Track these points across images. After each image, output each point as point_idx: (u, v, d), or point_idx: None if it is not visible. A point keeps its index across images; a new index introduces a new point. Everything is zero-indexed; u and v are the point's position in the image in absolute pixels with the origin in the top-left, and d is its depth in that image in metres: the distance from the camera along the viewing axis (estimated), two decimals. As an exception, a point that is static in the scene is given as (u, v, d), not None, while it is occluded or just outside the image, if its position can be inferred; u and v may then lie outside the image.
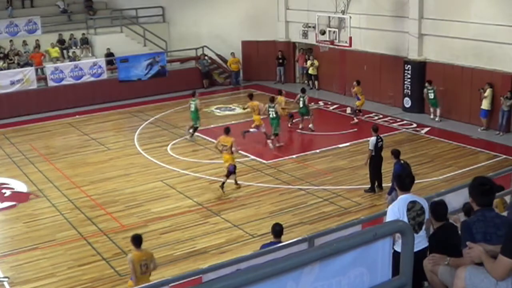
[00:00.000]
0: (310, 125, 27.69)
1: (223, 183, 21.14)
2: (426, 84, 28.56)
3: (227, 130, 21.77)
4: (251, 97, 27.25)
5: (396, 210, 8.48)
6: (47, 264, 16.50)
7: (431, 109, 28.93)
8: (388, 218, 8.56)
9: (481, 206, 6.47)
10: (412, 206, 8.45)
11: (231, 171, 21.20)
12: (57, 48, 36.66)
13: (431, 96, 28.38)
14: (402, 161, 17.64)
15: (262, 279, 3.81)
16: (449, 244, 8.46)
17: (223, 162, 21.53)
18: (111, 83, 35.39)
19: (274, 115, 25.63)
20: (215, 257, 16.31)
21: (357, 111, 29.26)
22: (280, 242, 12.10)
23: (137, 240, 13.14)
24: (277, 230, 12.37)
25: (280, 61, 38.31)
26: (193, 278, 9.94)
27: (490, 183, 6.65)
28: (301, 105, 27.54)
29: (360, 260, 4.36)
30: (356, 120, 28.94)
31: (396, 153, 17.78)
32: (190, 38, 39.23)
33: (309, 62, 36.43)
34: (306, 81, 37.11)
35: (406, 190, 8.66)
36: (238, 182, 21.64)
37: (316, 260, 4.11)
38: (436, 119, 28.56)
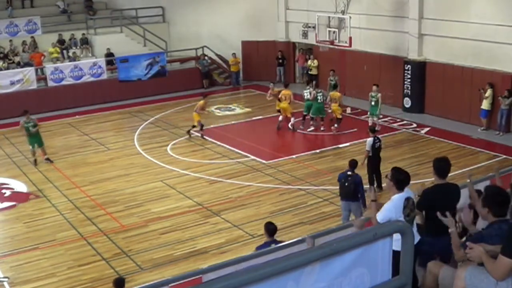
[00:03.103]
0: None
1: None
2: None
3: (286, 85, 29.44)
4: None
5: (392, 207, 8.50)
6: (47, 264, 16.50)
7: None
8: (381, 213, 8.56)
9: (498, 216, 6.40)
10: (407, 203, 8.48)
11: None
12: (57, 48, 36.68)
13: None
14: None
15: (262, 279, 3.81)
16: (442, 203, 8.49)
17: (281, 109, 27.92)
18: (111, 83, 35.40)
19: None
20: (215, 257, 16.31)
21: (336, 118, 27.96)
22: (275, 240, 12.15)
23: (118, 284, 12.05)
24: (272, 229, 12.36)
25: (280, 61, 38.32)
26: (193, 278, 9.98)
27: (504, 192, 6.65)
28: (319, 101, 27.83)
29: (361, 261, 4.37)
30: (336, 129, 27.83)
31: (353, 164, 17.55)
32: (190, 38, 39.26)
33: (309, 62, 36.46)
34: (306, 81, 37.14)
35: (401, 190, 8.66)
36: None
37: (316, 260, 4.11)
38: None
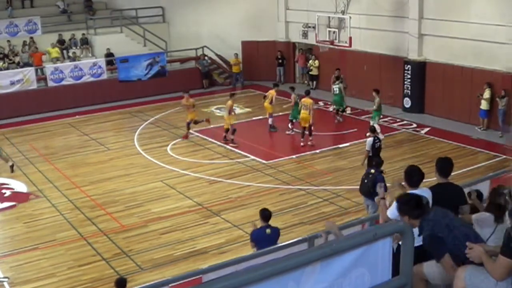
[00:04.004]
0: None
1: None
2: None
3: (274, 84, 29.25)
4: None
5: None
6: (47, 264, 16.52)
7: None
8: (390, 209, 8.54)
9: (417, 218, 6.45)
10: None
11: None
12: (57, 48, 36.67)
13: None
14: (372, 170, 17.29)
15: (263, 279, 3.82)
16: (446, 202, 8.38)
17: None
18: (111, 83, 35.35)
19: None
20: (215, 257, 16.34)
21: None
22: (269, 225, 12.49)
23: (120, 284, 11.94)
24: (267, 215, 12.81)
25: (280, 61, 38.37)
26: (193, 278, 9.98)
27: (413, 195, 6.75)
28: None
29: (361, 261, 4.37)
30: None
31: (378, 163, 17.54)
32: (190, 38, 39.24)
33: (310, 62, 36.50)
34: (306, 81, 37.17)
35: (414, 187, 8.69)
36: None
37: (316, 260, 4.11)
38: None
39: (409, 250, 4.64)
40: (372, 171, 16.98)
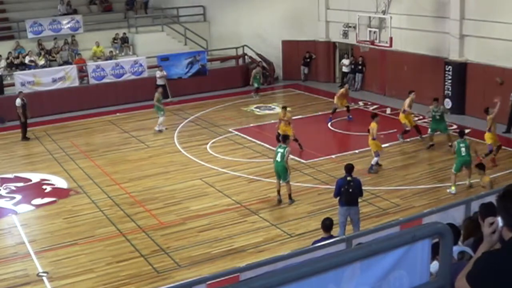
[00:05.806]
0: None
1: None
2: None
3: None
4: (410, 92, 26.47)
5: None
6: (86, 260, 16.67)
7: None
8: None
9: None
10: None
11: None
12: (101, 47, 37.01)
13: None
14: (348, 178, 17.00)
15: (300, 279, 3.82)
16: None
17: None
18: (151, 81, 35.34)
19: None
20: (253, 256, 16.33)
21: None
22: (332, 236, 12.23)
23: None
24: (327, 225, 12.51)
25: (308, 60, 38.84)
26: (230, 276, 10.00)
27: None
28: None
29: (401, 263, 4.35)
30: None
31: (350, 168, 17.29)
32: (231, 37, 39.38)
33: (347, 61, 36.54)
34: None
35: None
36: None
37: (354, 260, 4.10)
38: None
39: (448, 252, 4.60)
40: (349, 178, 16.86)
